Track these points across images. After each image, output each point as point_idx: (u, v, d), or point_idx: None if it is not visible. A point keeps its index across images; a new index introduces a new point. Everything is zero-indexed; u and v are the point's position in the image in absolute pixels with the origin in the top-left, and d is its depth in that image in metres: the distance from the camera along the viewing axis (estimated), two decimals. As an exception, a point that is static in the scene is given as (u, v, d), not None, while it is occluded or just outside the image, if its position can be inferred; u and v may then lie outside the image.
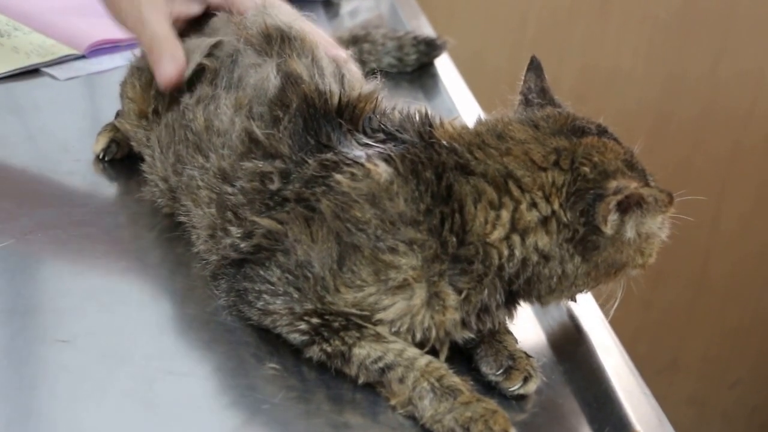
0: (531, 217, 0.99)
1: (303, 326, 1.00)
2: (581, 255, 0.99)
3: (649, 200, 0.98)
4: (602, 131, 1.04)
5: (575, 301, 1.10)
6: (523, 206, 0.99)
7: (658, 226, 1.03)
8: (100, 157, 1.36)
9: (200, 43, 1.22)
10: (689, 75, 2.64)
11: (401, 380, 0.97)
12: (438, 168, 1.00)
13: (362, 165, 1.01)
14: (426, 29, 1.91)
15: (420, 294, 0.99)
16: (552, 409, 1.03)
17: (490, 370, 1.03)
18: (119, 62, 1.60)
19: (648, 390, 1.06)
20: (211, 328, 1.07)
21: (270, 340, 1.04)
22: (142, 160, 1.27)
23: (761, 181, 2.79)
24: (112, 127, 1.36)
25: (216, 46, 1.21)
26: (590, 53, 2.53)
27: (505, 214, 0.99)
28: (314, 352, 1.01)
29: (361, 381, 1.00)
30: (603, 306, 1.12)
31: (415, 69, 1.74)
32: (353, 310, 0.99)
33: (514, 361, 1.03)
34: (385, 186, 0.99)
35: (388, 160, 1.01)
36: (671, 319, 2.89)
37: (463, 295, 0.99)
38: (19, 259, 1.15)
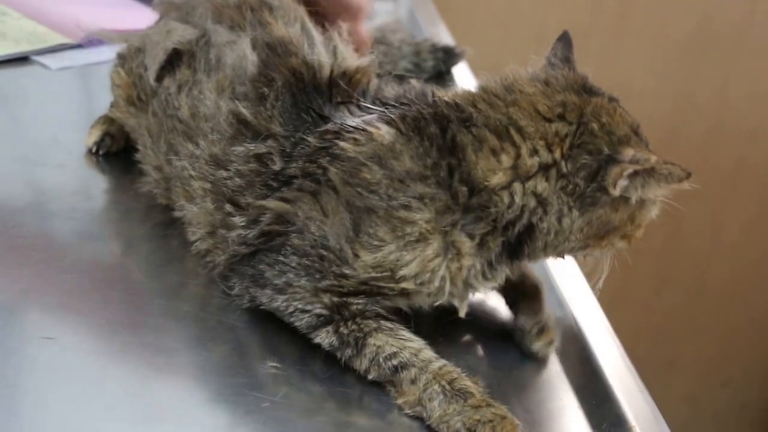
0: (532, 162, 1.00)
1: (322, 302, 1.00)
2: (578, 209, 1.01)
3: (663, 172, 0.99)
4: (612, 99, 1.06)
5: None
6: (524, 152, 1.00)
7: (658, 196, 1.04)
8: (93, 150, 1.33)
9: (162, 40, 1.20)
10: (699, 94, 2.70)
11: (413, 381, 0.96)
12: (442, 122, 1.01)
13: (363, 130, 1.01)
14: (444, 36, 1.90)
15: (435, 245, 0.99)
16: (552, 405, 1.03)
17: (527, 322, 1.08)
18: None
19: (645, 388, 1.07)
20: (206, 326, 1.05)
21: (270, 338, 1.03)
22: (137, 150, 1.25)
23: (763, 196, 2.87)
24: (106, 120, 1.34)
25: (177, 53, 1.18)
26: (604, 68, 2.50)
27: (506, 159, 1.00)
28: (326, 336, 1.00)
29: (371, 377, 0.99)
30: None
31: (432, 76, 1.70)
32: (375, 274, 0.99)
33: (548, 326, 1.08)
34: (389, 146, 0.99)
35: (389, 122, 1.02)
36: (670, 322, 2.97)
37: (476, 240, 1.00)
38: (3, 255, 1.12)
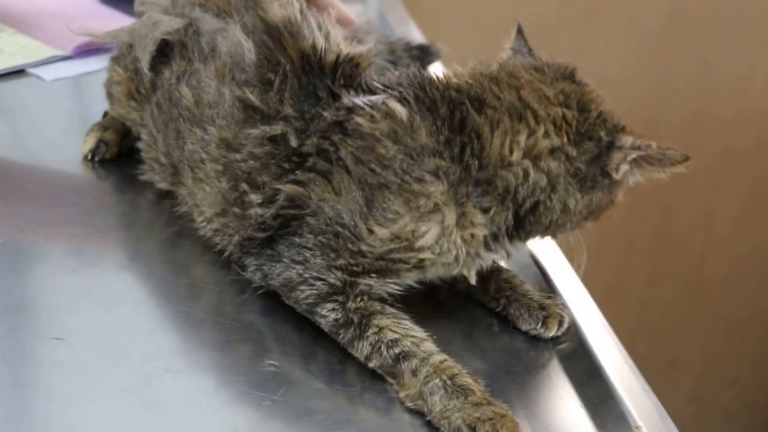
0: (545, 144, 1.03)
1: (336, 275, 1.02)
2: (580, 191, 1.05)
3: (661, 156, 1.05)
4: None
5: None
6: (539, 134, 1.03)
7: (656, 179, 1.08)
8: (89, 157, 1.34)
9: (149, 32, 1.21)
10: (677, 81, 2.67)
11: (414, 373, 0.96)
12: (450, 104, 1.04)
13: (379, 107, 1.04)
14: (416, 35, 1.90)
15: (450, 215, 1.02)
16: (553, 406, 1.02)
17: (530, 326, 1.09)
18: (106, 63, 1.57)
19: (648, 387, 1.06)
20: (208, 326, 1.06)
21: (268, 336, 1.04)
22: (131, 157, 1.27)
23: (753, 182, 2.83)
24: (100, 127, 1.35)
25: (167, 43, 1.19)
26: (577, 60, 2.49)
27: (523, 139, 1.03)
28: (332, 310, 1.02)
29: (371, 365, 0.99)
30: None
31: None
32: (393, 246, 1.01)
33: (545, 309, 1.09)
34: (406, 123, 1.02)
35: (402, 101, 1.04)
36: (669, 318, 2.92)
37: (491, 213, 1.03)
38: (11, 257, 1.14)
